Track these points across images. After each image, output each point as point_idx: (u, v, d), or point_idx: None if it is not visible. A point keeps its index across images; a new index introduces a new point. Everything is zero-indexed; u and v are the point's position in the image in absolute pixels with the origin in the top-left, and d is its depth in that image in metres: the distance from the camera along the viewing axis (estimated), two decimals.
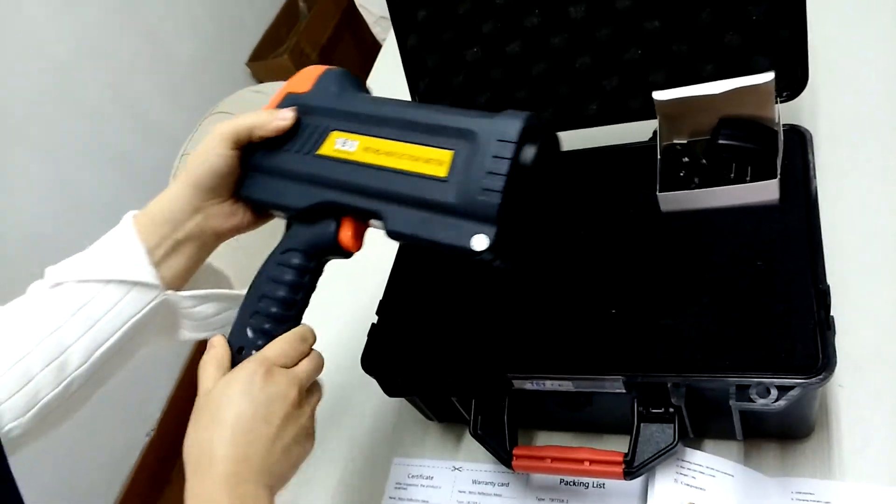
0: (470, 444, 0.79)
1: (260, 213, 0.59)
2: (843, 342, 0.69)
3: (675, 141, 0.72)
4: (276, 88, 0.58)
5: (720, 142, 0.68)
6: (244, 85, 2.14)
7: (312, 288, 0.55)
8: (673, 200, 0.70)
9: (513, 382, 0.67)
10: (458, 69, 0.80)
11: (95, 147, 1.77)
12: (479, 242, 0.44)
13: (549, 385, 0.65)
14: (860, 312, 0.70)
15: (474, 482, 0.76)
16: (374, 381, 0.72)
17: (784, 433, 0.66)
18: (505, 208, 0.43)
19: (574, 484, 0.71)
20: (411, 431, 0.83)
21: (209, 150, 0.55)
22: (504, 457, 0.66)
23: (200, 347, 0.57)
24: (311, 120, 0.53)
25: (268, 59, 2.25)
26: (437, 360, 0.69)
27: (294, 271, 0.52)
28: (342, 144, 0.50)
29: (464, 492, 0.76)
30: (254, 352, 0.52)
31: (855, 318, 0.70)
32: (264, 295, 0.53)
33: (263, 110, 0.56)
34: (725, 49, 0.69)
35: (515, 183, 0.43)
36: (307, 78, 0.56)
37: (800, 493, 0.63)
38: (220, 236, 0.59)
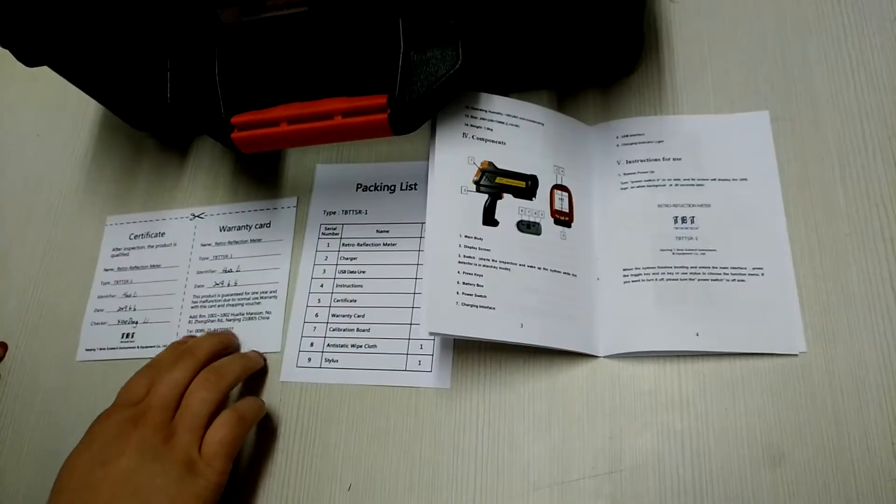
0: (218, 185, 0.55)
1: None
2: None
3: None
4: None
5: None
6: None
7: None
8: None
9: (218, 14, 0.43)
10: None
11: None
12: None
13: (272, 10, 0.42)
14: None
15: (223, 229, 0.53)
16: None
17: (607, 58, 0.49)
18: None
19: (368, 189, 0.52)
20: (127, 174, 0.58)
21: None
22: (219, 129, 0.44)
23: None
24: None
25: None
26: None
27: None
28: None
29: (209, 244, 0.53)
30: None
31: None
32: None
33: None
34: None
35: None
36: None
37: (626, 136, 0.48)
38: None
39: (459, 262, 0.41)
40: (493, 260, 0.42)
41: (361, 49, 0.45)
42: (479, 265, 0.41)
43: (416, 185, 0.51)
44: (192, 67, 0.45)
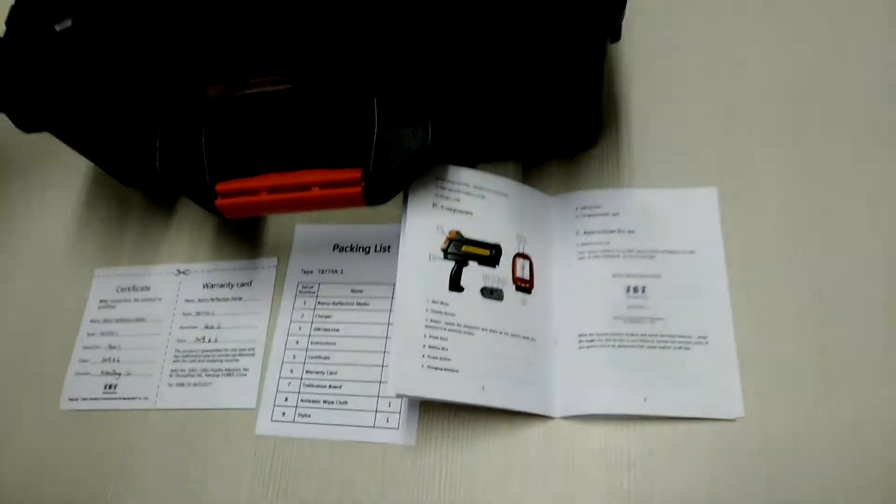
0: (202, 241, 0.58)
1: None
2: (636, 30, 0.57)
3: None
4: None
5: None
6: None
7: None
8: None
9: (207, 91, 0.46)
10: None
11: None
12: None
13: (257, 87, 0.46)
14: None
15: (206, 286, 0.56)
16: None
17: (569, 134, 0.52)
18: None
19: (344, 249, 0.55)
20: (115, 228, 0.61)
21: None
22: (204, 196, 0.47)
23: None
24: None
25: None
26: (95, 70, 0.46)
27: None
28: None
29: (192, 300, 0.55)
30: None
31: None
32: None
33: None
34: None
35: None
36: None
37: (585, 207, 0.51)
38: None
39: (426, 326, 0.44)
40: (457, 324, 0.45)
41: (339, 125, 0.48)
42: (445, 329, 0.44)
43: (389, 246, 0.54)
44: (180, 137, 0.48)
